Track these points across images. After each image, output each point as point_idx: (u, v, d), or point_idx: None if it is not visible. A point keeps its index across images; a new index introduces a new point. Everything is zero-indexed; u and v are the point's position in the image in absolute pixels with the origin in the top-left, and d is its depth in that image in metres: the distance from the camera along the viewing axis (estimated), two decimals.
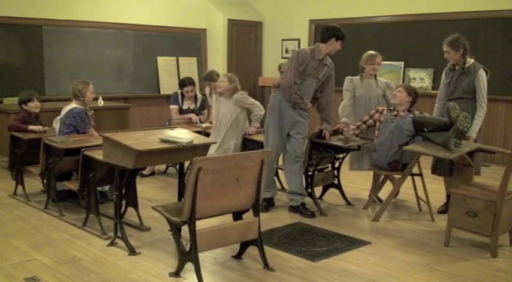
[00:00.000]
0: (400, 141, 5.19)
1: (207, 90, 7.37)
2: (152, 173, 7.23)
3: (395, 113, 5.46)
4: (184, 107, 7.42)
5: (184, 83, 7.40)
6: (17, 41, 8.45)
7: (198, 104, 7.47)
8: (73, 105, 5.68)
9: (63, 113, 5.69)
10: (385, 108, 5.60)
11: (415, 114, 5.37)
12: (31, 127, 6.01)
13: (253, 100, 6.37)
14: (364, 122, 5.66)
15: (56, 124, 5.72)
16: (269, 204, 5.63)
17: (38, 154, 5.44)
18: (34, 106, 6.19)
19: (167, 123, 7.20)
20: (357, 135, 5.64)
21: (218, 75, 7.24)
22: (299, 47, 10.77)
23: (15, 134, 5.93)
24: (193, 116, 7.29)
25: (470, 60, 5.31)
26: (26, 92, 6.29)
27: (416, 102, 5.53)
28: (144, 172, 7.05)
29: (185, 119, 7.25)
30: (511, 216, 4.58)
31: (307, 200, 5.60)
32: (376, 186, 5.85)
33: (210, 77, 7.22)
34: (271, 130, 5.43)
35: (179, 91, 7.46)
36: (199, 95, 7.53)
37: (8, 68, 8.35)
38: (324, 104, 5.53)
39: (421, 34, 9.07)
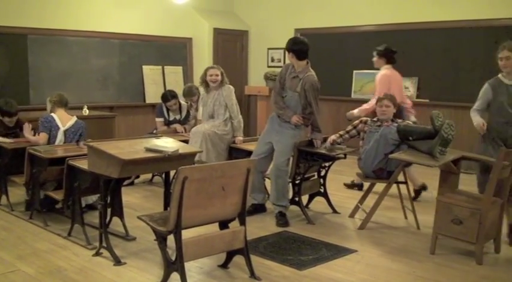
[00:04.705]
0: (386, 150, 5.20)
1: (188, 104, 7.46)
2: (132, 183, 7.12)
3: (379, 123, 5.50)
4: (171, 118, 7.42)
5: (166, 98, 7.38)
6: (2, 50, 8.37)
7: (183, 114, 7.48)
8: (74, 117, 5.78)
9: (69, 123, 5.71)
10: (369, 119, 5.62)
11: (399, 123, 5.40)
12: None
13: (236, 106, 6.51)
14: (348, 132, 5.68)
15: (60, 135, 5.67)
16: (255, 209, 5.67)
17: (22, 164, 5.39)
18: (9, 121, 6.19)
19: (154, 132, 7.19)
20: (338, 144, 5.65)
21: (197, 89, 7.31)
22: (284, 56, 10.80)
23: None
24: (178, 126, 7.30)
25: None
26: (9, 105, 6.22)
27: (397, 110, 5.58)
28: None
29: (170, 130, 7.24)
30: (496, 224, 4.62)
31: (295, 208, 5.62)
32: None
33: (190, 93, 7.30)
34: (259, 139, 5.70)
35: (163, 103, 7.45)
36: (183, 105, 7.53)
37: None
38: (308, 115, 5.54)
39: (405, 43, 9.11)
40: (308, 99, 5.37)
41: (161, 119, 7.44)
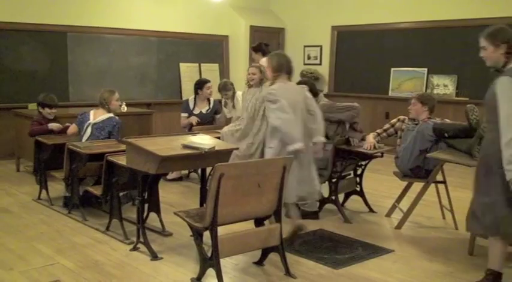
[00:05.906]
0: (422, 146, 5.12)
1: (223, 101, 7.49)
2: (179, 178, 7.23)
3: (416, 121, 5.42)
4: (196, 111, 7.35)
5: (204, 80, 7.44)
6: (42, 48, 8.56)
7: (211, 106, 7.46)
8: (109, 113, 5.83)
9: (99, 118, 5.76)
10: (406, 117, 5.56)
11: (436, 121, 5.32)
12: (51, 125, 6.38)
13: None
14: (385, 130, 5.62)
15: (89, 128, 5.74)
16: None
17: (62, 159, 5.50)
18: (49, 113, 6.44)
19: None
20: (377, 142, 5.60)
21: (232, 84, 7.38)
22: (321, 53, 10.78)
23: (40, 139, 6.01)
24: (192, 119, 7.26)
25: None
26: (49, 97, 6.59)
27: (434, 107, 5.43)
28: (169, 177, 7.08)
29: (210, 126, 7.12)
30: None
31: (331, 206, 5.61)
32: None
33: (225, 88, 7.36)
34: None
35: (190, 97, 7.43)
36: (211, 98, 7.54)
37: (32, 74, 8.46)
38: None
39: (444, 40, 9.00)
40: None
41: (185, 114, 7.37)
